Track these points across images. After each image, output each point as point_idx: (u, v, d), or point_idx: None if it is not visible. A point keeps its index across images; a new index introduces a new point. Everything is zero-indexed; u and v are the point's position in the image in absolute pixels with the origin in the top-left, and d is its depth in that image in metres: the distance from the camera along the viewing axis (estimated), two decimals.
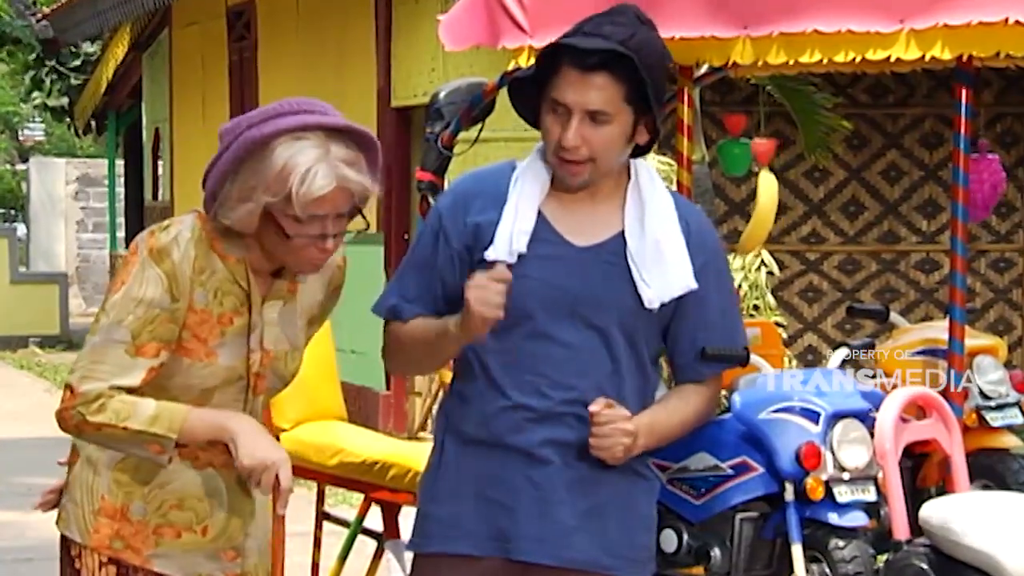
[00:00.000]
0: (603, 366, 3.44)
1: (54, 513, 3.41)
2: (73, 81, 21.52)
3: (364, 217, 3.29)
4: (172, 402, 3.22)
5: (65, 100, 21.95)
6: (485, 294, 3.30)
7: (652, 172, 3.54)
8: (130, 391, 3.18)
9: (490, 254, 3.42)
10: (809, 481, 5.45)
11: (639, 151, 3.51)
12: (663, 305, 3.46)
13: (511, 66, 6.26)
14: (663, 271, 3.44)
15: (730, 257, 9.40)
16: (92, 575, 3.30)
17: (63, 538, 3.35)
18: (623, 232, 3.46)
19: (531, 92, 3.49)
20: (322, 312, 3.47)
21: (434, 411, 8.40)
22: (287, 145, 3.15)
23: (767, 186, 6.92)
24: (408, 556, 3.84)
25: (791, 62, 5.78)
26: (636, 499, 3.54)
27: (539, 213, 3.44)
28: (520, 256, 3.41)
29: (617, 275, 3.44)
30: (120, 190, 21.87)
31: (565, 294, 3.43)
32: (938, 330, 6.65)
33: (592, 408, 3.37)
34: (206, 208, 3.25)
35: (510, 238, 3.41)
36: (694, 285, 3.47)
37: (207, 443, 3.25)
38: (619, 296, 3.44)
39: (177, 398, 3.23)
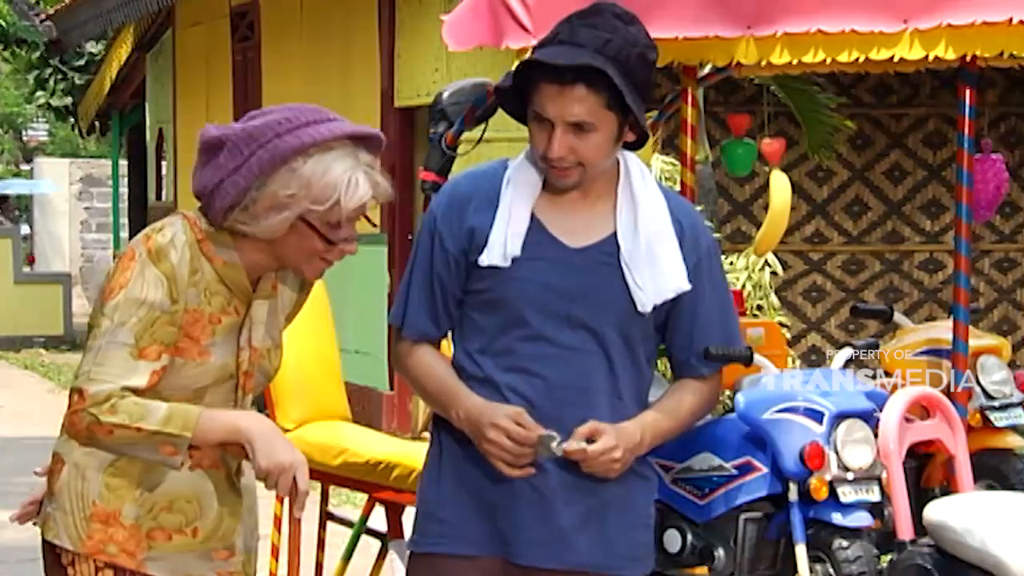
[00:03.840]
0: (599, 366, 3.44)
1: None
2: (77, 81, 21.52)
3: (370, 220, 3.32)
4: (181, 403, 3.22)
5: (69, 100, 21.95)
6: (506, 454, 3.38)
7: (643, 168, 3.53)
8: (137, 393, 3.16)
9: (484, 259, 3.42)
10: (813, 481, 5.44)
11: (631, 145, 3.50)
12: (656, 306, 3.47)
13: (515, 66, 6.25)
14: (656, 273, 3.43)
15: (735, 257, 9.41)
16: None
17: (51, 546, 3.30)
18: (616, 233, 3.46)
19: (517, 97, 3.48)
20: (295, 309, 3.49)
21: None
22: (321, 155, 3.20)
23: (780, 186, 6.90)
24: None
25: (795, 62, 5.78)
26: (635, 498, 3.54)
27: (532, 215, 3.44)
28: (514, 258, 3.41)
29: (611, 276, 3.44)
30: (124, 190, 21.87)
31: (560, 296, 3.42)
32: (942, 330, 6.65)
33: (576, 457, 3.38)
34: (212, 212, 3.24)
35: (504, 242, 3.41)
36: (687, 287, 3.46)
37: (218, 444, 3.23)
38: (613, 297, 3.43)
39: (168, 399, 3.21)
